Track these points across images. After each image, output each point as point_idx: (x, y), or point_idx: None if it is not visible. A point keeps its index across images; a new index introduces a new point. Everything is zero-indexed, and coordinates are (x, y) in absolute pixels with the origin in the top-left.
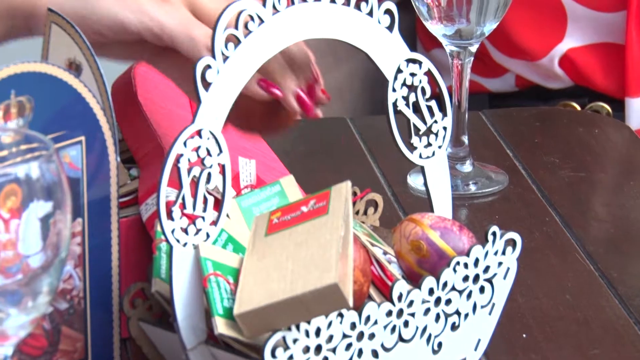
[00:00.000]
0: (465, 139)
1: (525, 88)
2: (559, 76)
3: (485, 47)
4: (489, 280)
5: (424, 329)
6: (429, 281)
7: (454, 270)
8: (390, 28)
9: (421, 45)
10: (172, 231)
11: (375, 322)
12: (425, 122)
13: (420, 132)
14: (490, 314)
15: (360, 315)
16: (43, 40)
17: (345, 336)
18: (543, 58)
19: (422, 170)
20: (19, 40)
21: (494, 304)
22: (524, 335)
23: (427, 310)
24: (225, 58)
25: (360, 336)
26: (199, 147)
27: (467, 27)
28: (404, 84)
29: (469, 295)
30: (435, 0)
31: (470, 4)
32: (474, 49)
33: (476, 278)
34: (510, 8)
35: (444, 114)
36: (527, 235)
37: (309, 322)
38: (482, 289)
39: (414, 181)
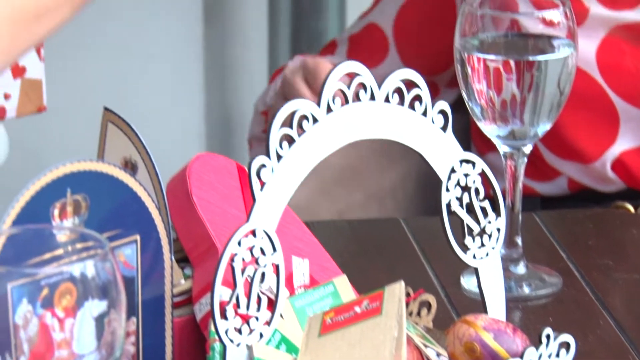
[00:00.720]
0: (518, 240)
1: (578, 191)
2: (611, 180)
3: (537, 150)
4: None
5: None
6: None
7: None
8: (444, 128)
9: (475, 149)
10: (226, 331)
11: None
12: (479, 223)
13: (474, 233)
14: None
15: None
16: (99, 138)
17: None
18: (596, 161)
19: (475, 271)
20: (76, 138)
21: None
22: None
23: None
24: (280, 157)
25: None
26: (253, 247)
27: (520, 128)
28: (457, 184)
29: None
30: (489, 101)
31: (524, 105)
32: (527, 149)
33: None
34: (563, 110)
35: (498, 215)
36: (581, 338)
37: None
38: None
39: (468, 282)
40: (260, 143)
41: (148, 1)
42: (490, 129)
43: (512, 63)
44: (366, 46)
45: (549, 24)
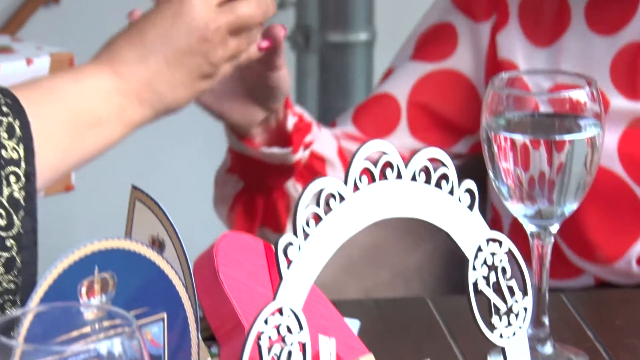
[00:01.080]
0: (545, 319)
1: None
2: (638, 275)
3: (560, 249)
4: None
5: None
6: None
7: None
8: (470, 207)
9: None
10: None
11: None
12: (505, 302)
13: (501, 312)
14: None
15: None
16: (127, 216)
17: None
18: (619, 260)
19: (502, 351)
20: (103, 216)
21: None
22: None
23: None
24: (307, 235)
25: None
26: (279, 325)
27: (547, 208)
28: (484, 263)
29: None
30: (517, 180)
31: (551, 185)
32: (554, 229)
33: None
34: (585, 209)
35: (525, 294)
36: None
37: None
38: None
39: None
40: (223, 201)
41: None
42: (517, 208)
43: (538, 142)
44: (376, 115)
45: (576, 104)
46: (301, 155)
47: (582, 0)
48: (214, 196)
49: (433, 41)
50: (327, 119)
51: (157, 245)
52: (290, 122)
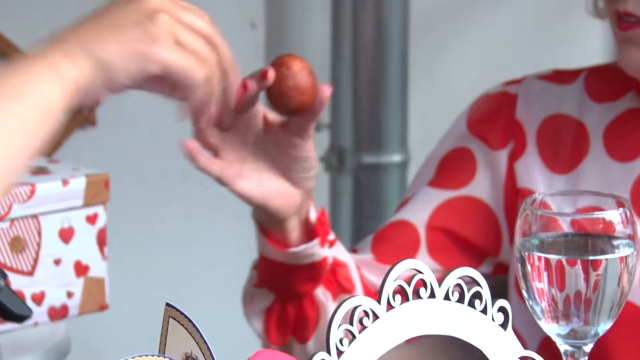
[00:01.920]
0: None
1: None
2: None
3: None
4: None
5: None
6: None
7: None
8: (504, 325)
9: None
10: None
11: None
12: None
13: None
14: None
15: None
16: (160, 333)
17: None
18: None
19: None
20: (137, 333)
21: None
22: None
23: None
24: (340, 353)
25: None
26: None
27: (581, 327)
28: None
29: None
30: (550, 300)
31: (584, 304)
32: (588, 348)
33: None
34: (612, 333)
35: None
36: None
37: None
38: None
39: None
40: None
41: (211, 199)
42: (551, 328)
43: (575, 261)
44: (395, 243)
45: (609, 224)
46: (327, 253)
47: (601, 128)
48: (245, 312)
49: (452, 168)
50: (361, 240)
51: None
52: (313, 214)
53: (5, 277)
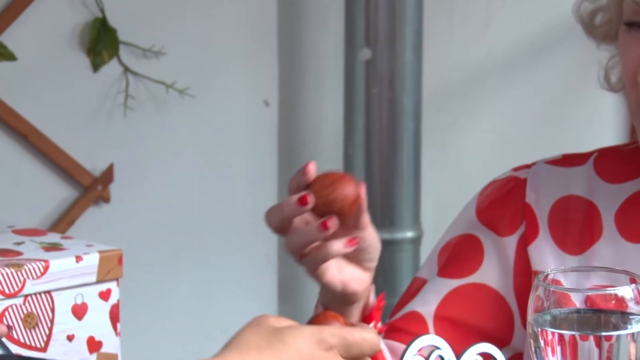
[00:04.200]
0: None
1: None
2: None
3: None
4: None
5: None
6: None
7: None
8: None
9: None
10: None
11: None
12: None
13: None
14: None
15: None
16: None
17: None
18: None
19: None
20: None
21: None
22: None
23: None
24: None
25: None
26: None
27: None
28: None
29: None
30: None
31: None
32: None
33: None
34: None
35: None
36: None
37: None
38: None
39: None
40: None
41: (223, 276)
42: None
43: (585, 338)
44: (408, 334)
45: (621, 300)
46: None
47: (613, 209)
48: None
49: (459, 256)
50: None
51: None
52: (373, 297)
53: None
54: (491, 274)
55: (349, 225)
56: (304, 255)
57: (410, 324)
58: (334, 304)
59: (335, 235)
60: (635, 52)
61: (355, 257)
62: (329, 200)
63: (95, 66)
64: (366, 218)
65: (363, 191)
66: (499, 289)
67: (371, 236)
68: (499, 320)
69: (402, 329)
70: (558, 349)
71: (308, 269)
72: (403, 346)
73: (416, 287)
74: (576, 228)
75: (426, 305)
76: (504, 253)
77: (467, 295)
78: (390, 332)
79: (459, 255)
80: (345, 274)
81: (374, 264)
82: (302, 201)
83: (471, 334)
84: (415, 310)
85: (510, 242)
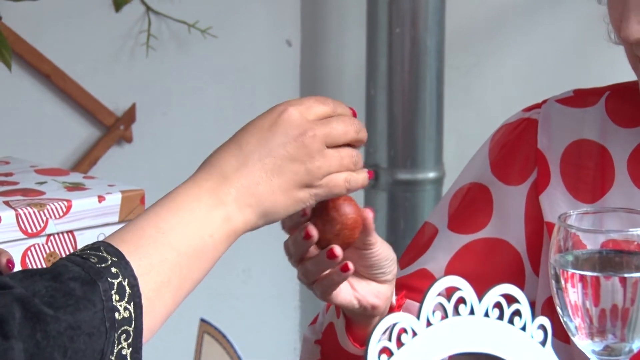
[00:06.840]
0: None
1: None
2: None
3: None
4: None
5: None
6: None
7: None
8: (543, 343)
9: None
10: None
11: None
12: None
13: None
14: None
15: None
16: (195, 349)
17: None
18: None
19: None
20: (171, 350)
21: None
22: None
23: None
24: None
25: None
26: None
27: (615, 343)
28: None
29: None
30: (585, 315)
31: (618, 320)
32: None
33: None
34: None
35: None
36: None
37: None
38: None
39: None
40: None
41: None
42: (585, 344)
43: (606, 279)
44: (417, 291)
45: None
46: None
47: (625, 154)
48: None
49: (470, 210)
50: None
51: None
52: (394, 299)
53: None
54: (501, 227)
55: (356, 246)
56: (314, 282)
57: (422, 282)
58: (357, 318)
59: (349, 256)
60: (617, 10)
61: (367, 273)
62: (327, 238)
63: (118, 5)
64: (373, 237)
65: (368, 214)
66: (509, 240)
67: (380, 251)
68: (510, 271)
69: (413, 287)
70: (580, 288)
71: (318, 295)
72: (416, 304)
73: (427, 236)
74: (589, 174)
75: (437, 262)
76: (513, 203)
77: (476, 251)
78: (401, 289)
79: (469, 208)
80: (360, 290)
81: (390, 276)
82: (307, 236)
83: (483, 288)
84: (426, 268)
85: (521, 191)
